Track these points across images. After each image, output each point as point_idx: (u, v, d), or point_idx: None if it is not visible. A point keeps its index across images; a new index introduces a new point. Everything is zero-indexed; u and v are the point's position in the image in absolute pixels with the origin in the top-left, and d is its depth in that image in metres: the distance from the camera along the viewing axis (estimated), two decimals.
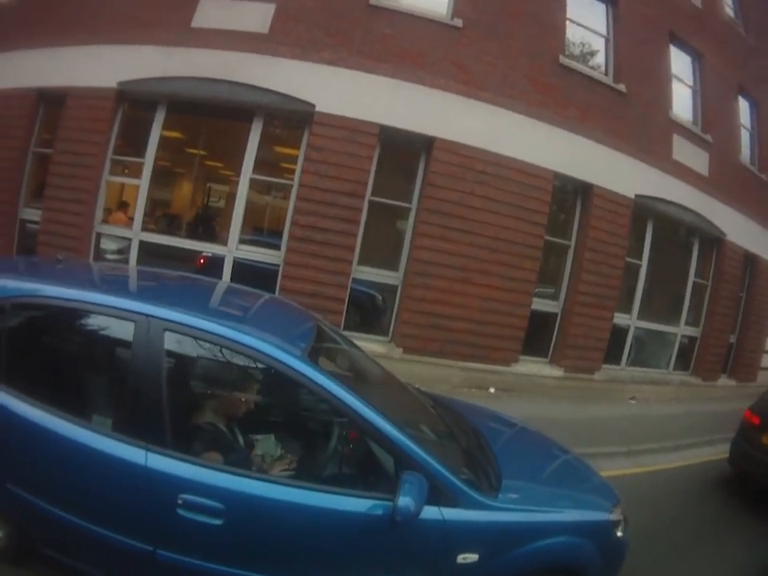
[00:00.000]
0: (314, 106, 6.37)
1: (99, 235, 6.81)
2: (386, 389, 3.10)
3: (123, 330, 2.06)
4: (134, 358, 2.00)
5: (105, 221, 6.86)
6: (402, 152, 6.92)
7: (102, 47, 6.52)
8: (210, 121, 7.34)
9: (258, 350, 2.05)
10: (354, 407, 2.08)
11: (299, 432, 2.71)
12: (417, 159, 6.75)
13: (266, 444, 2.65)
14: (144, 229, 6.75)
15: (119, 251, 6.87)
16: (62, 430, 1.96)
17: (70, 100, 6.65)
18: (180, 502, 1.88)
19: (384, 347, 6.53)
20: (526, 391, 6.82)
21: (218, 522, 1.90)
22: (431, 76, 6.59)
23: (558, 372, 7.26)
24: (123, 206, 7.01)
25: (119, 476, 1.94)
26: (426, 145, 6.64)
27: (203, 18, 6.51)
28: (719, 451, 6.13)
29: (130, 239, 6.69)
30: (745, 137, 10.01)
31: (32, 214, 7.01)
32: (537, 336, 7.23)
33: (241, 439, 2.40)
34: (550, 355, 7.43)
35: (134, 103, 6.88)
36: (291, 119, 6.91)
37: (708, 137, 8.81)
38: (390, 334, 6.70)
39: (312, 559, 2.07)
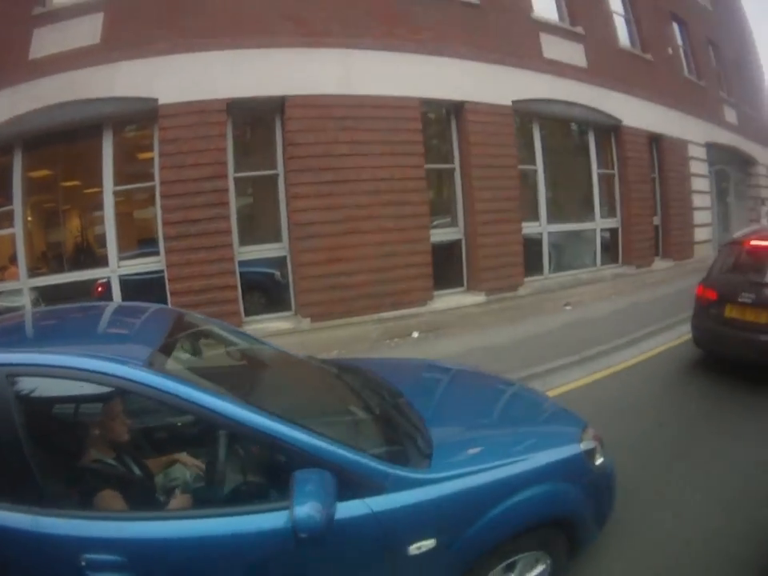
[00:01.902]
0: (156, 100, 6.04)
1: None
2: (273, 372, 2.73)
3: None
4: None
5: (1, 279, 6.52)
6: (257, 120, 6.58)
7: None
8: (66, 147, 6.90)
9: (90, 370, 1.75)
10: (213, 408, 1.70)
11: (189, 447, 2.38)
12: (272, 123, 6.40)
13: (179, 473, 2.33)
14: (32, 275, 6.42)
15: (19, 306, 6.53)
16: None
17: None
18: (83, 563, 1.61)
19: (290, 322, 6.21)
20: (451, 326, 6.56)
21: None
22: (270, 37, 6.24)
23: (479, 298, 7.02)
24: (14, 259, 6.60)
25: (17, 548, 1.66)
26: (278, 106, 6.30)
27: (39, 48, 6.15)
28: (680, 334, 5.93)
29: (20, 290, 6.33)
30: (620, 22, 9.92)
31: None
32: (447, 267, 6.97)
33: (135, 468, 2.13)
34: (465, 283, 7.18)
35: None
36: (138, 120, 6.56)
37: (579, 29, 8.66)
38: (294, 307, 6.38)
39: None
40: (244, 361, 2.87)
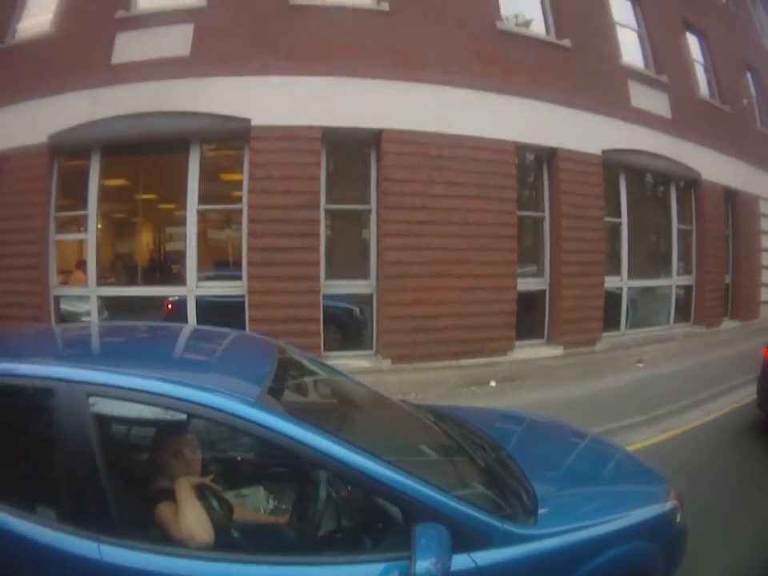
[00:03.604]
0: (249, 121, 5.99)
1: (58, 299, 6.41)
2: (374, 414, 2.66)
3: (46, 403, 1.69)
4: (61, 434, 1.64)
5: (65, 283, 6.52)
6: (351, 151, 6.55)
7: (29, 103, 6.15)
8: (147, 158, 6.92)
9: (199, 404, 1.66)
10: (330, 453, 1.65)
11: (279, 487, 2.29)
12: (367, 156, 6.35)
13: (256, 498, 2.23)
14: (100, 283, 6.36)
15: (82, 312, 6.48)
16: (8, 526, 1.58)
17: (4, 164, 6.24)
18: None
19: (370, 361, 6.12)
20: (528, 378, 6.43)
21: None
22: (366, 67, 6.19)
23: (557, 351, 6.88)
24: (82, 264, 6.59)
25: None
26: (374, 139, 6.24)
27: (122, 53, 6.15)
28: (742, 396, 5.92)
29: (88, 297, 6.31)
30: (700, 72, 9.79)
31: None
32: (528, 318, 6.86)
33: (214, 502, 1.99)
34: (546, 335, 7.05)
35: (69, 154, 6.50)
36: (229, 139, 6.55)
37: (663, 77, 8.54)
38: (375, 347, 6.28)
39: None
40: (345, 402, 2.79)
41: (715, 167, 8.93)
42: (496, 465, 2.24)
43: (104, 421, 1.75)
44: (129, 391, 1.67)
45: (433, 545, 1.53)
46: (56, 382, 1.65)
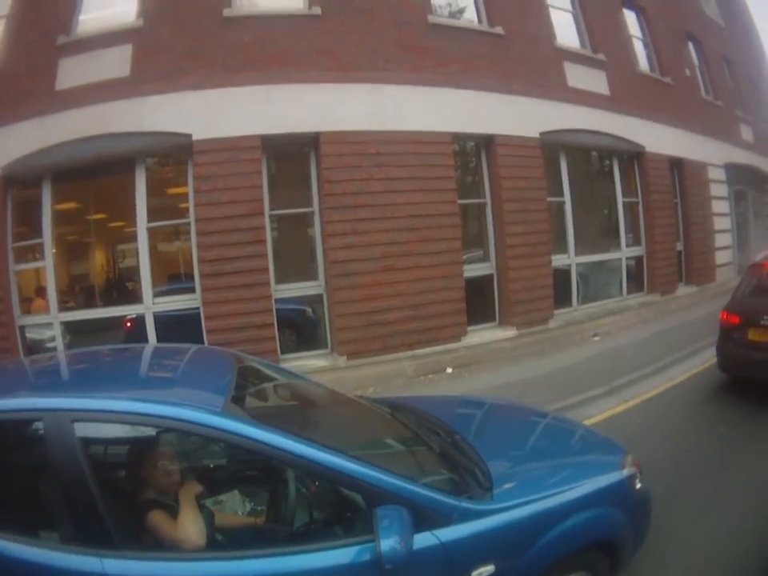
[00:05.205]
0: (190, 135, 6.07)
1: (23, 328, 6.43)
2: (333, 412, 2.85)
3: (35, 433, 1.89)
4: (53, 460, 1.80)
5: (27, 312, 6.56)
6: (291, 156, 6.65)
7: None
8: (96, 180, 6.95)
9: (172, 418, 1.85)
10: (294, 451, 1.83)
11: (252, 489, 2.46)
12: (307, 159, 6.45)
13: (233, 503, 2.40)
14: (62, 308, 6.42)
15: (47, 339, 6.55)
16: (12, 552, 1.72)
17: None
18: None
19: (327, 360, 6.25)
20: (484, 361, 6.60)
21: None
22: (300, 72, 6.29)
23: (511, 332, 7.05)
24: (41, 291, 6.63)
25: None
26: (312, 142, 6.35)
27: (66, 79, 6.18)
28: (706, 359, 6.07)
29: (51, 323, 6.35)
30: (639, 46, 9.97)
31: None
32: (479, 303, 7.01)
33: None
34: (498, 318, 7.22)
35: (21, 184, 6.51)
36: (172, 155, 6.63)
37: (600, 56, 8.71)
38: (330, 345, 6.41)
39: None
40: (305, 403, 2.97)
41: (658, 139, 9.12)
42: (450, 448, 2.41)
43: (89, 443, 1.92)
44: (109, 414, 1.86)
45: (394, 524, 1.70)
46: (41, 413, 1.82)
